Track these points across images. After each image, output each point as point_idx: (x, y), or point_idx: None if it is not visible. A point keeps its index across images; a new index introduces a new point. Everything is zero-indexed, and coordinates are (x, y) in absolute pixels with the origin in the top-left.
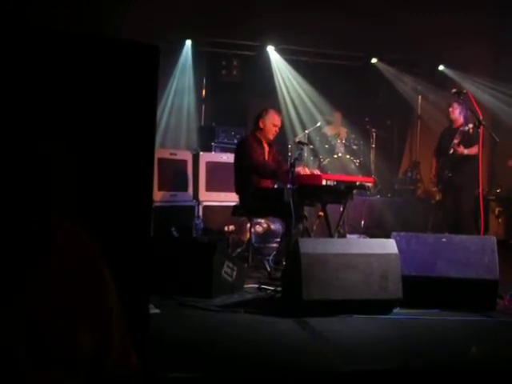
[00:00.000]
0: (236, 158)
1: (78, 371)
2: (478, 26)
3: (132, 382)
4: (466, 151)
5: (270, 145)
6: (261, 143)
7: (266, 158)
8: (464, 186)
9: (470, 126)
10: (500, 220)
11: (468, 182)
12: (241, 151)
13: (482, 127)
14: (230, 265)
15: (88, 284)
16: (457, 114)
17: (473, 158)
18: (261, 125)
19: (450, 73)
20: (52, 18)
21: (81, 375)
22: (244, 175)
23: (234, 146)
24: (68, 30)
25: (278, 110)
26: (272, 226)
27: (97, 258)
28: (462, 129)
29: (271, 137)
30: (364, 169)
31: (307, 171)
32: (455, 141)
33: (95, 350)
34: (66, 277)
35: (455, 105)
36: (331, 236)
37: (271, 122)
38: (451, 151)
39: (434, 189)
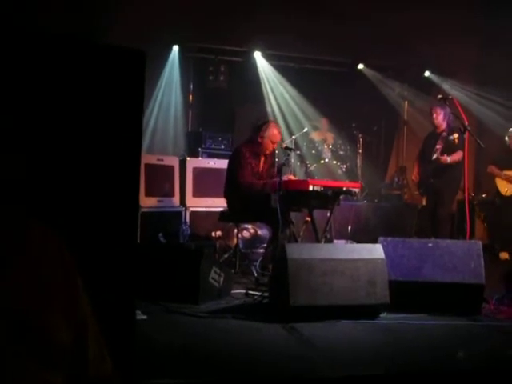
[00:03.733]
0: (228, 167)
1: (60, 367)
2: (464, 32)
3: None
4: (449, 159)
5: (265, 156)
6: (257, 155)
7: (261, 169)
8: (444, 190)
9: (456, 135)
10: (485, 225)
11: (448, 188)
12: (234, 163)
13: (467, 133)
14: (217, 270)
15: (60, 286)
16: (440, 119)
17: (455, 164)
18: (259, 140)
19: (435, 79)
20: (38, 22)
21: (64, 372)
22: (234, 182)
23: (220, 152)
24: (53, 34)
25: (279, 125)
26: (259, 232)
27: (69, 262)
28: (444, 134)
29: (267, 152)
30: (351, 174)
31: (292, 177)
32: (437, 146)
33: (73, 346)
34: (38, 277)
35: (438, 110)
36: (318, 241)
37: (270, 139)
38: (434, 157)
39: (416, 193)
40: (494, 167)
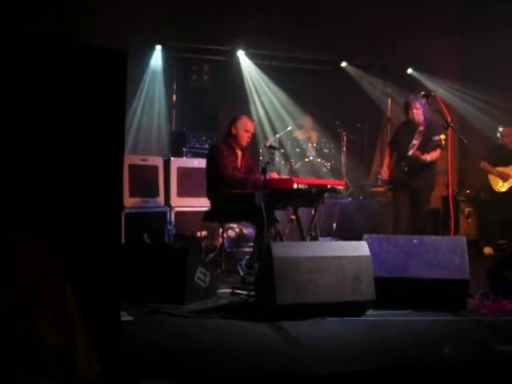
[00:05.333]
0: (207, 165)
1: (49, 370)
2: (447, 29)
3: None
4: (429, 158)
5: (243, 150)
6: (233, 150)
7: (239, 164)
8: (420, 189)
9: (442, 137)
10: (470, 220)
11: (424, 186)
12: (211, 159)
13: (450, 129)
14: (203, 270)
15: (49, 294)
16: (421, 113)
17: (430, 163)
18: (233, 131)
19: (418, 76)
20: (20, 24)
21: (53, 375)
22: (215, 181)
23: (205, 151)
24: (34, 36)
25: (251, 116)
26: (244, 231)
27: (57, 271)
28: (421, 129)
29: (244, 143)
30: (335, 172)
31: (276, 176)
32: (414, 142)
33: (63, 349)
34: (27, 287)
35: (417, 104)
36: (303, 239)
37: (243, 129)
38: (410, 153)
39: (384, 187)
40: (487, 163)
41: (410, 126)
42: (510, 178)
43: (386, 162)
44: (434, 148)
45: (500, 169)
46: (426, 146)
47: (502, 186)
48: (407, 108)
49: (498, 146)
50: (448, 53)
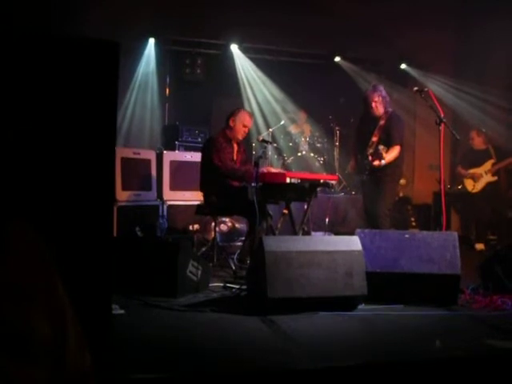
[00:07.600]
0: (204, 157)
1: (40, 362)
2: (441, 24)
3: (87, 380)
4: (383, 162)
5: (238, 144)
6: (230, 142)
7: (235, 157)
8: (385, 180)
9: (381, 147)
10: (461, 216)
11: (388, 176)
12: (209, 150)
13: (443, 125)
14: (195, 264)
15: (41, 287)
16: (380, 106)
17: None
18: (231, 123)
19: (411, 71)
20: (11, 17)
21: (43, 367)
22: (210, 174)
23: (197, 145)
24: (26, 28)
25: (250, 112)
26: (237, 225)
27: (49, 263)
28: (382, 123)
29: (240, 137)
30: (328, 166)
31: (272, 170)
32: (374, 139)
33: (53, 341)
34: (19, 280)
35: (376, 97)
36: (295, 234)
37: (241, 122)
38: (369, 152)
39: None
40: (461, 168)
41: (371, 120)
42: (482, 178)
43: (352, 159)
44: (391, 146)
45: (472, 170)
46: (387, 141)
47: (474, 188)
48: (366, 103)
49: (470, 149)
50: (441, 48)
